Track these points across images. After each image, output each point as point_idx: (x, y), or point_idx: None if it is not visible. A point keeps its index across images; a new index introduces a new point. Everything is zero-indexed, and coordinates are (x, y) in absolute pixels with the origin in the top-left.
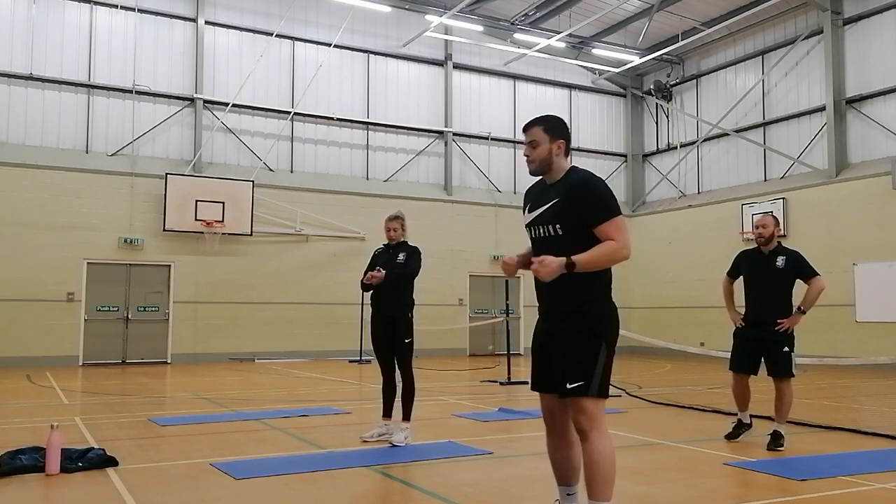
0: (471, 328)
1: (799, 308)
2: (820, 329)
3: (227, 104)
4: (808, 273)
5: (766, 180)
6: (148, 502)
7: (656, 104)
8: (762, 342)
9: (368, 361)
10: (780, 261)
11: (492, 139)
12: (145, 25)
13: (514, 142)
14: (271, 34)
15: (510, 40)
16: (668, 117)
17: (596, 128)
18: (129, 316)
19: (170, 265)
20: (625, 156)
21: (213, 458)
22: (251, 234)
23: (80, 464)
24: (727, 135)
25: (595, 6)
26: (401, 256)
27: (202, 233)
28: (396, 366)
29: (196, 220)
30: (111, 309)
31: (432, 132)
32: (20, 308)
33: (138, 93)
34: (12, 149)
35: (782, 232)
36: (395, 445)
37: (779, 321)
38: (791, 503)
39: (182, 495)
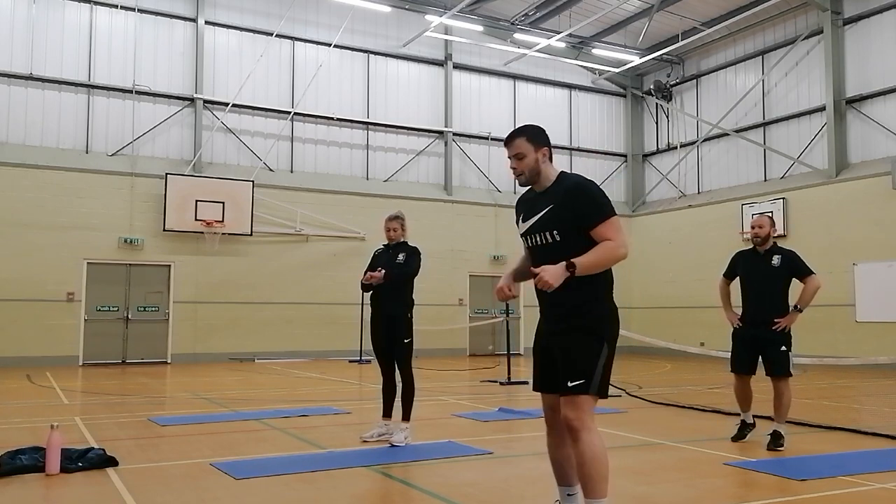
0: (471, 328)
1: (795, 307)
2: (820, 329)
3: (227, 104)
4: (803, 272)
5: (766, 180)
6: (148, 502)
7: (656, 104)
8: (760, 341)
9: (368, 361)
10: (776, 260)
11: (492, 139)
12: (145, 25)
13: None
14: (271, 34)
15: (510, 40)
16: (668, 117)
17: (596, 128)
18: (129, 316)
19: (170, 265)
20: (625, 156)
21: (213, 458)
22: (251, 234)
23: (80, 464)
24: (727, 135)
25: (595, 6)
26: (400, 257)
27: (202, 233)
28: (396, 366)
29: (196, 220)
30: (111, 309)
31: (432, 132)
32: (20, 308)
33: (138, 93)
34: (12, 149)
35: (782, 232)
36: (394, 445)
37: (776, 320)
38: (791, 503)
39: (182, 495)
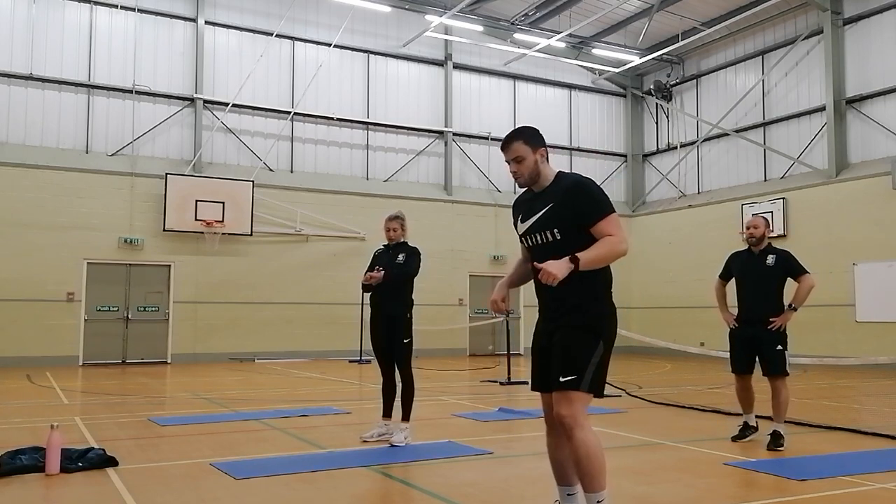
0: (471, 328)
1: (790, 305)
2: (820, 329)
3: (227, 104)
4: (797, 271)
5: (766, 180)
6: (148, 502)
7: (656, 104)
8: (756, 341)
9: (368, 361)
10: (771, 259)
11: (492, 139)
12: (145, 25)
13: None
14: (271, 34)
15: (510, 40)
16: (668, 117)
17: (596, 128)
18: (129, 316)
19: (170, 265)
20: (625, 156)
21: (213, 458)
22: (251, 234)
23: (80, 464)
24: (727, 135)
25: (595, 6)
26: (400, 257)
27: (202, 233)
28: (396, 366)
29: (196, 220)
30: (111, 309)
31: (432, 132)
32: (20, 308)
33: (138, 93)
34: (12, 149)
35: (783, 232)
36: (394, 445)
37: (771, 319)
38: (791, 503)
39: (182, 495)
